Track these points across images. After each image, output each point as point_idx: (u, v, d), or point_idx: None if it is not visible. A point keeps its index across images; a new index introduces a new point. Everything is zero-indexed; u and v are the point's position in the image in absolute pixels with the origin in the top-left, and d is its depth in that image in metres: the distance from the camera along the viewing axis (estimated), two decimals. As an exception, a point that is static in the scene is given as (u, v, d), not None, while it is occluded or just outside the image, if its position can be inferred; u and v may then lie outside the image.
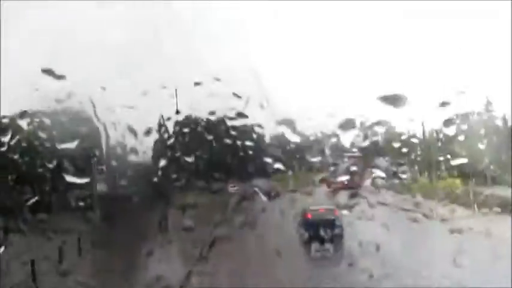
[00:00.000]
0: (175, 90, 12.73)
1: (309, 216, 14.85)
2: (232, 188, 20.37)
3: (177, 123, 14.39)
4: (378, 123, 12.28)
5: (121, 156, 11.67)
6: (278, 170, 12.68)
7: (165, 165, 11.74)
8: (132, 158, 11.28)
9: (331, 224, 13.98)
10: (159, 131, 13.37)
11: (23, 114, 11.11)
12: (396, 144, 14.96)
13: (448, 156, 15.06)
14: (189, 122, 14.57)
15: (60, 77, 9.67)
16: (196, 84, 12.89)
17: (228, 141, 13.14)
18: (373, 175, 16.58)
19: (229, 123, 12.11)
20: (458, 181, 17.26)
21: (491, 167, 16.00)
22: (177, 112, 13.15)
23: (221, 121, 13.02)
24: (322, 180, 17.84)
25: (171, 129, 13.91)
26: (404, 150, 15.56)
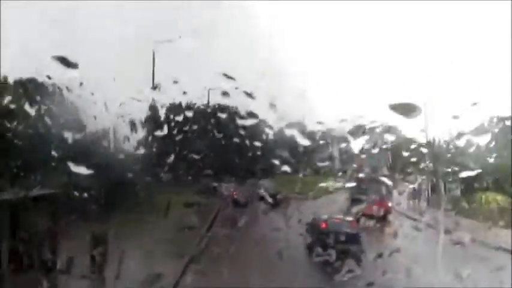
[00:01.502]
0: (153, 53, 12.38)
1: (324, 225, 12.77)
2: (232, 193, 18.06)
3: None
4: (388, 130, 11.87)
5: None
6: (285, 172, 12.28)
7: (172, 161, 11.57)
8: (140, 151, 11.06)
9: (352, 237, 11.78)
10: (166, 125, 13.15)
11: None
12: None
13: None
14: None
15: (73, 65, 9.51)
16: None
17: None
18: None
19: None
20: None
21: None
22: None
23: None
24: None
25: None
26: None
